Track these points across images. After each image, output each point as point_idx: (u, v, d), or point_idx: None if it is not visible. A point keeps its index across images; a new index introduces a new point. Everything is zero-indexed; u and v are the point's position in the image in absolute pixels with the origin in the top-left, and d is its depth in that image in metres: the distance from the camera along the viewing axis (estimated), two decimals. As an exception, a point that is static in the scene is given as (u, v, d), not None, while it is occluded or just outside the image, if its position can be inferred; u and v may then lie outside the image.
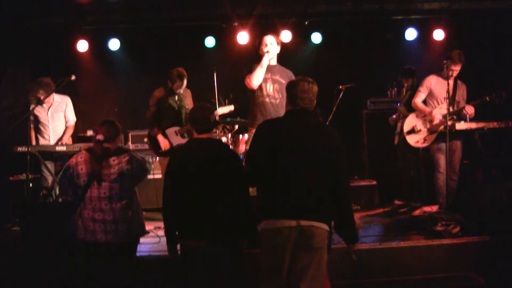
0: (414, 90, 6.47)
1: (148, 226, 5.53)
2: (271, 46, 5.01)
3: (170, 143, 5.84)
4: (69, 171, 3.75)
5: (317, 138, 3.25)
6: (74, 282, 3.92)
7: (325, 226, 3.19)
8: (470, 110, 5.61)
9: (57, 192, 5.71)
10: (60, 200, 4.48)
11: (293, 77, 5.21)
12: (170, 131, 5.88)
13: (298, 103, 3.33)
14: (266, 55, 4.91)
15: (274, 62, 5.14)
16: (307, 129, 3.28)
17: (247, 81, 4.94)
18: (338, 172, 3.22)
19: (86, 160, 3.72)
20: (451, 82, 5.60)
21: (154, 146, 5.95)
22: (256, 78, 4.93)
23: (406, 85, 6.73)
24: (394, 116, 6.81)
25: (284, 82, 5.12)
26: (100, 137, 3.72)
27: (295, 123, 3.31)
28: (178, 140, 5.82)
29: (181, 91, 5.87)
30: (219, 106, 5.98)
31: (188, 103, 5.95)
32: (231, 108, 6.07)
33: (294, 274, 3.17)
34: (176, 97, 5.89)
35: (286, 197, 3.16)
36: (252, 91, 5.02)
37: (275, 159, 3.21)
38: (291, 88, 3.39)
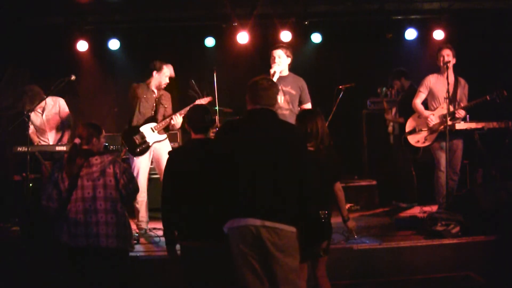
0: (409, 92, 6.48)
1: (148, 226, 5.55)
2: (279, 59, 5.08)
3: (146, 141, 5.46)
4: (55, 175, 3.73)
5: (279, 137, 3.19)
6: (74, 283, 3.91)
7: (291, 228, 3.10)
8: (459, 114, 5.63)
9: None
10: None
11: (305, 86, 5.26)
12: (146, 127, 5.49)
13: (259, 101, 3.27)
14: (274, 76, 4.96)
15: (285, 72, 5.19)
16: (268, 128, 3.22)
17: None
18: (301, 171, 3.15)
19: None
20: (451, 78, 5.54)
21: (130, 146, 5.49)
22: None
23: (396, 87, 6.70)
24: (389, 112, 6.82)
25: (294, 93, 5.18)
26: (77, 140, 3.77)
27: (256, 122, 3.26)
28: (154, 138, 5.48)
29: (167, 81, 5.56)
30: (197, 98, 5.82)
31: (167, 105, 5.65)
32: (209, 99, 5.91)
33: (263, 275, 3.09)
34: (156, 93, 5.59)
35: (251, 197, 3.08)
36: None
37: (238, 159, 3.15)
38: (251, 88, 3.33)
